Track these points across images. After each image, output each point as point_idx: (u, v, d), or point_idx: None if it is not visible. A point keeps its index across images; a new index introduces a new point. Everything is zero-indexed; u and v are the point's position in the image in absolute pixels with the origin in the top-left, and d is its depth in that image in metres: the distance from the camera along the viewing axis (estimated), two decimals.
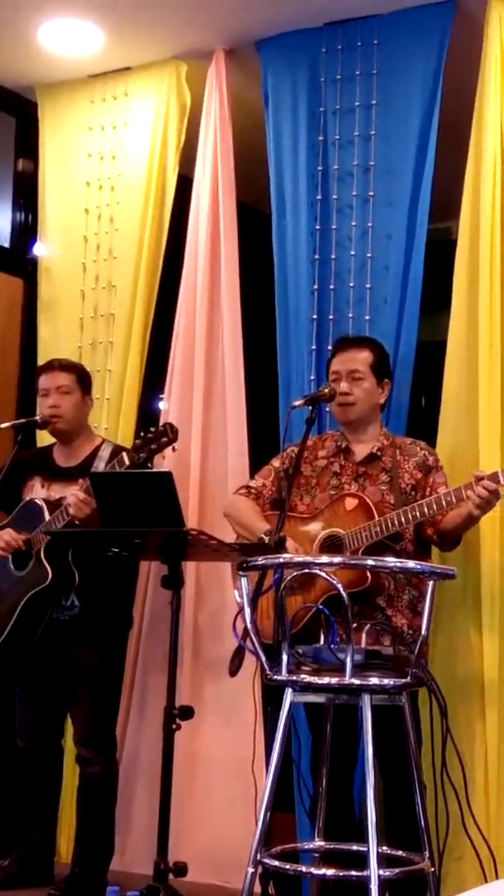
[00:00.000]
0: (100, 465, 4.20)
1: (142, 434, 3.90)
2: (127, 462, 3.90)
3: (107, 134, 5.18)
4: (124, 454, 3.95)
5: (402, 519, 3.63)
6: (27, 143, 5.46)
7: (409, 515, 3.62)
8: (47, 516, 4.17)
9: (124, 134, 5.13)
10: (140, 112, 5.08)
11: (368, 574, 3.60)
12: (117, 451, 4.19)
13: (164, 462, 4.29)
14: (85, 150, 5.22)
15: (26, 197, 5.47)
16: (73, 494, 4.06)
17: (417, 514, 3.61)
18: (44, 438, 4.79)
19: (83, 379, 4.44)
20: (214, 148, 4.82)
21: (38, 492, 4.36)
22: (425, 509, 3.61)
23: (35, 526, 4.20)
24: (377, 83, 4.46)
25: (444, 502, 3.60)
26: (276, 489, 4.00)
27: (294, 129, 4.63)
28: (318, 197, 4.54)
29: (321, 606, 3.34)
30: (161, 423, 3.99)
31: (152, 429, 3.90)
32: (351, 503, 3.78)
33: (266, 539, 3.73)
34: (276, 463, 4.05)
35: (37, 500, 4.27)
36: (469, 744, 3.87)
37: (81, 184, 5.21)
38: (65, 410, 4.35)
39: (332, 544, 3.74)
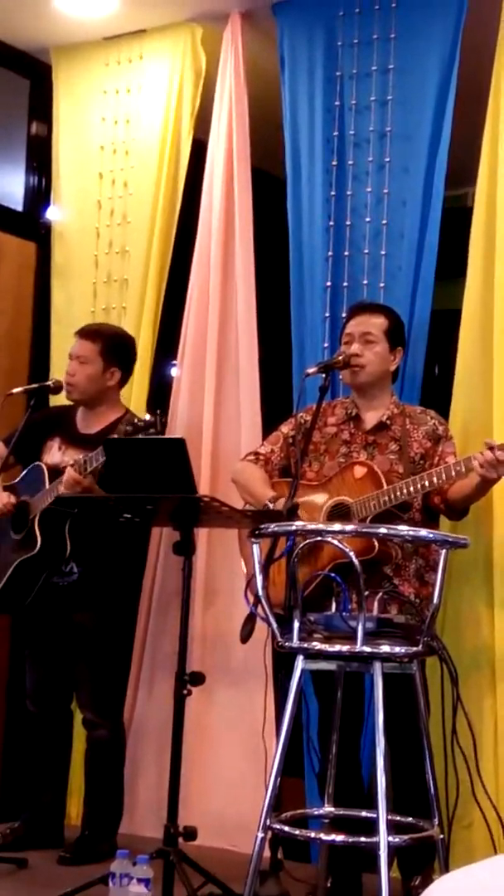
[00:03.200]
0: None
1: (134, 421, 3.86)
2: None
3: (121, 97, 5.15)
4: (115, 435, 3.91)
5: (411, 488, 3.61)
6: (41, 106, 5.42)
7: (418, 485, 3.60)
8: (47, 484, 4.17)
9: (139, 98, 5.10)
10: (155, 76, 5.05)
11: (375, 543, 3.60)
12: None
13: (176, 427, 4.28)
14: (99, 113, 5.19)
15: (40, 160, 5.44)
16: (68, 473, 4.04)
17: (426, 483, 3.59)
18: (57, 402, 4.79)
19: (110, 349, 4.36)
20: (229, 112, 4.79)
21: (54, 454, 4.35)
22: (434, 479, 3.59)
23: (37, 490, 4.21)
24: (394, 47, 4.41)
25: (452, 472, 3.58)
26: (284, 455, 3.99)
27: (310, 94, 4.60)
28: (334, 163, 4.50)
29: (333, 574, 3.34)
30: (148, 415, 3.90)
31: (143, 418, 3.84)
32: (360, 471, 3.77)
33: (271, 506, 3.73)
34: (284, 429, 4.04)
35: (41, 466, 4.27)
36: (478, 711, 3.87)
37: (95, 148, 5.18)
38: (77, 380, 4.33)
39: (339, 513, 3.73)
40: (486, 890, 1.34)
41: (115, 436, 3.90)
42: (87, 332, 4.40)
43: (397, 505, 3.64)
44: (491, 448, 3.48)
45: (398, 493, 3.61)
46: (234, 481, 4.07)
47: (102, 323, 4.63)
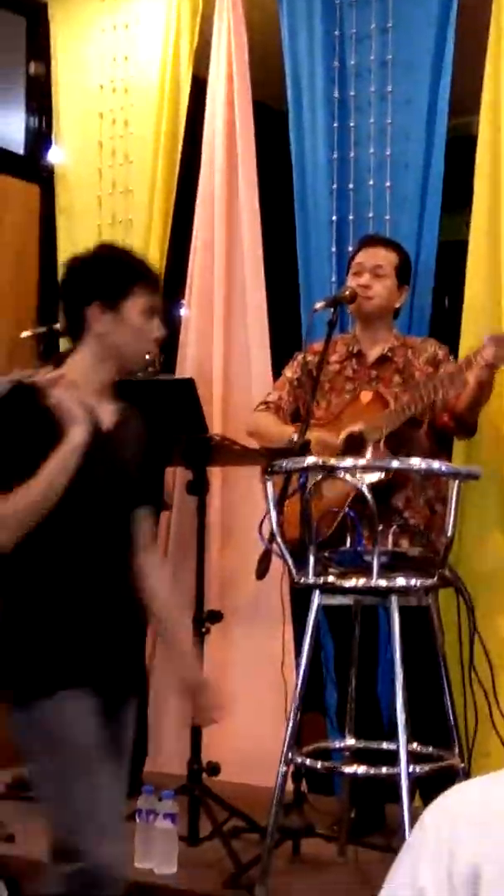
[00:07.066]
0: None
1: None
2: None
3: (119, 34, 5.07)
4: None
5: (418, 399, 3.57)
6: (38, 45, 5.34)
7: (424, 393, 3.54)
8: None
9: (136, 34, 5.02)
10: (152, 11, 4.97)
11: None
12: None
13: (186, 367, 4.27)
14: (97, 51, 5.12)
15: (39, 101, 5.37)
16: None
17: (432, 392, 3.54)
18: (66, 346, 4.78)
19: None
20: (228, 46, 4.72)
21: None
22: (439, 386, 3.53)
23: None
24: None
25: (455, 377, 3.53)
26: (292, 400, 3.98)
27: (310, 24, 4.51)
28: (336, 94, 4.44)
29: (348, 510, 3.33)
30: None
31: None
32: (366, 397, 3.76)
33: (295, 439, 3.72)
34: (288, 373, 4.03)
35: None
36: (494, 637, 3.87)
37: (95, 87, 5.12)
38: None
39: (352, 443, 3.72)
40: (490, 800, 1.37)
41: None
42: None
43: (408, 422, 3.61)
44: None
45: (407, 409, 3.58)
46: (250, 434, 4.03)
47: None
